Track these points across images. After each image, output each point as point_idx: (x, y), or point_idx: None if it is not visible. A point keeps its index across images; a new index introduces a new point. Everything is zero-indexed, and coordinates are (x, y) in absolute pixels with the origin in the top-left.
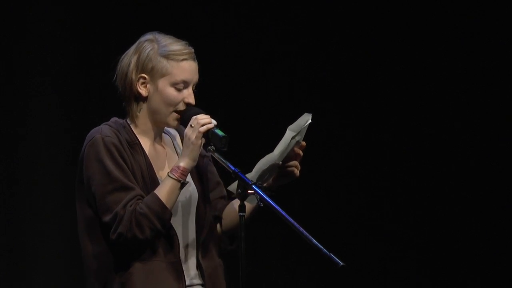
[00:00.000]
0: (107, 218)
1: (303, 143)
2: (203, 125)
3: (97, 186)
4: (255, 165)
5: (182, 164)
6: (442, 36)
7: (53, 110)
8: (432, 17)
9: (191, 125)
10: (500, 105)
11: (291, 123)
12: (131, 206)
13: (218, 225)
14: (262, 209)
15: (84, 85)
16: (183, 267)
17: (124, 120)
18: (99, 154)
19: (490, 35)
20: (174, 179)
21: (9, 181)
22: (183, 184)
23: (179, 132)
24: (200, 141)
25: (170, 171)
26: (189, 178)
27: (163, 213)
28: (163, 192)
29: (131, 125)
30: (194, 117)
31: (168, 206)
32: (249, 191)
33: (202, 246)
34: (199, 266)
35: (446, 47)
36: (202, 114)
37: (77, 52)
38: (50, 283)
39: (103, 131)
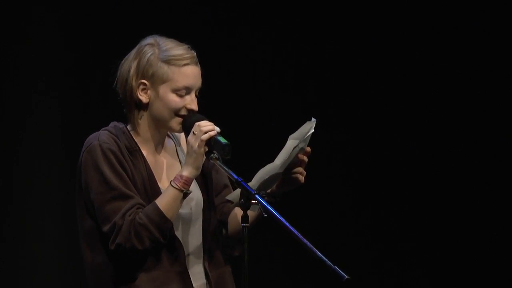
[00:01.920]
0: (106, 228)
1: (308, 149)
2: (205, 132)
3: (95, 195)
4: (256, 172)
5: (185, 173)
6: (444, 38)
7: (52, 112)
8: (432, 18)
9: (193, 132)
10: (503, 104)
11: (292, 129)
12: (130, 215)
13: (223, 230)
14: (265, 219)
15: (84, 87)
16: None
17: (123, 126)
18: (96, 161)
19: (490, 35)
20: (176, 188)
21: (7, 184)
22: (185, 194)
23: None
24: (203, 149)
25: (173, 180)
26: (193, 184)
27: (163, 223)
28: (164, 201)
29: (131, 132)
30: (197, 123)
31: (168, 216)
32: (252, 201)
33: (208, 253)
34: (206, 275)
35: (446, 49)
36: (205, 121)
37: (76, 54)
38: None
39: (101, 137)
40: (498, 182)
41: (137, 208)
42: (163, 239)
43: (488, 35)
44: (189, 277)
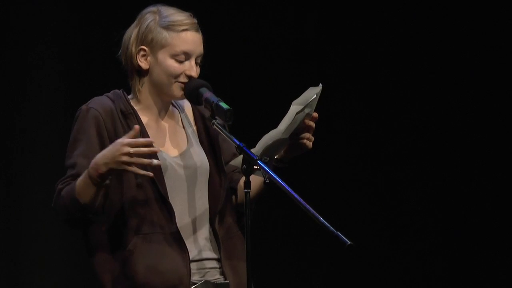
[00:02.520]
0: None
1: (315, 114)
2: (121, 162)
3: (65, 156)
4: (258, 139)
5: (93, 163)
6: (451, 35)
7: (54, 98)
8: (439, 15)
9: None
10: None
11: (297, 96)
12: (62, 184)
13: (233, 197)
14: (269, 186)
15: (86, 65)
16: (190, 239)
17: (121, 90)
18: (76, 125)
19: (493, 35)
20: (87, 173)
21: (6, 172)
22: (99, 185)
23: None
24: (104, 172)
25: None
26: (198, 148)
27: (74, 202)
28: (79, 182)
29: (132, 99)
30: (122, 144)
31: (79, 197)
32: (254, 167)
33: (218, 218)
34: (216, 239)
35: (453, 46)
36: (132, 148)
37: (79, 30)
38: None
39: (93, 102)
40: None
41: (72, 179)
42: (79, 215)
43: (489, 35)
44: (182, 238)
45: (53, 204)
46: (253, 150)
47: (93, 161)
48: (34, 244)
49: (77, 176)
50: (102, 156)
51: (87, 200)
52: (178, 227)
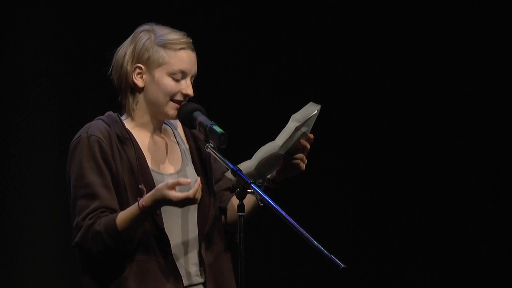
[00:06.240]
0: (73, 223)
1: (311, 135)
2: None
3: (72, 187)
4: (249, 157)
5: (144, 202)
6: (446, 34)
7: (47, 107)
8: (435, 15)
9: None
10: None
11: (290, 115)
12: (90, 219)
13: (223, 217)
14: (262, 209)
15: (80, 81)
16: (182, 265)
17: (116, 114)
18: (80, 154)
19: (491, 35)
20: (138, 207)
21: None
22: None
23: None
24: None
25: (140, 199)
26: (192, 170)
27: (116, 236)
28: (123, 216)
29: (126, 119)
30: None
31: (122, 231)
32: (248, 190)
33: (205, 240)
34: (201, 262)
35: (449, 46)
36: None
37: (71, 47)
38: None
39: (91, 128)
40: (499, 182)
41: (101, 212)
42: (119, 247)
43: (488, 35)
44: (177, 267)
45: (79, 241)
46: (248, 162)
47: (144, 196)
48: (30, 249)
49: (104, 207)
50: (151, 197)
51: (131, 234)
52: (173, 254)
